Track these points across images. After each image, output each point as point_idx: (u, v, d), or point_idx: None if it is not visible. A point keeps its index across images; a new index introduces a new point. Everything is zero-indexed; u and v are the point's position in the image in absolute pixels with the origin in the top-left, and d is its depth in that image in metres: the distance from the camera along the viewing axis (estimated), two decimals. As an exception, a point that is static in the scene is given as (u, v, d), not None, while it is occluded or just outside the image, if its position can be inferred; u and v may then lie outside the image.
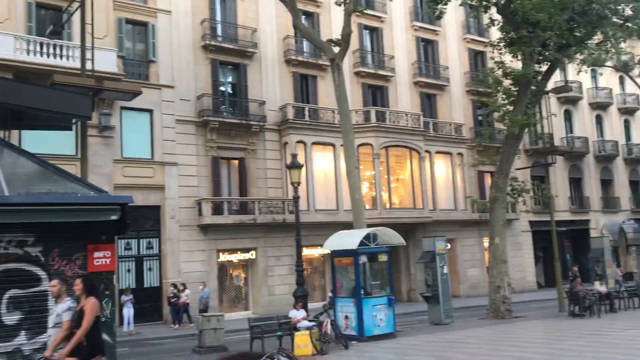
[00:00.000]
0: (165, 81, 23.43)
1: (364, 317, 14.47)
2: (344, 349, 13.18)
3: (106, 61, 20.03)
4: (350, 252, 15.02)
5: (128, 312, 19.28)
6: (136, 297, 20.58)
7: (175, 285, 21.06)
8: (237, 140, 24.68)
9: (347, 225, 19.50)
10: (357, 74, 28.78)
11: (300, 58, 26.93)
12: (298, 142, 25.22)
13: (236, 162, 25.06)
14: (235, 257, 24.46)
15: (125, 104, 20.86)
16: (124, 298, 19.45)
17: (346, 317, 14.90)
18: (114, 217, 8.16)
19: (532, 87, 20.72)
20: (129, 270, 21.94)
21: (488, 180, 30.46)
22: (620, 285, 23.57)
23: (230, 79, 25.76)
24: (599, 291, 19.62)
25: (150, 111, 22.94)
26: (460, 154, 30.81)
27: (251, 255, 24.51)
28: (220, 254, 23.90)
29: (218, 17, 25.54)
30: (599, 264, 23.99)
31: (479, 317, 19.53)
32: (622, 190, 39.19)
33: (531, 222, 33.51)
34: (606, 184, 38.60)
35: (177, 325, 20.39)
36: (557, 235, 23.60)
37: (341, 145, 21.05)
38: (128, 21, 23.14)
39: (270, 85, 26.04)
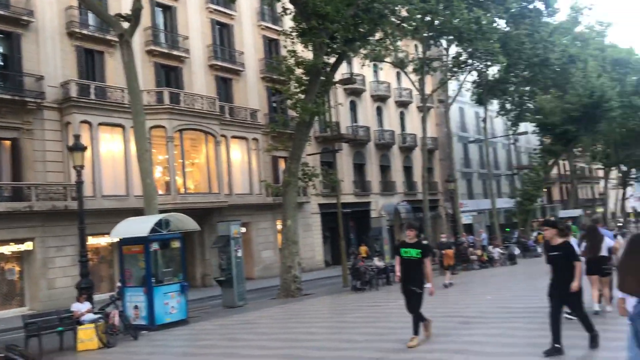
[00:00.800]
0: None
1: (154, 306, 13.98)
2: (133, 339, 12.61)
3: None
4: (140, 240, 14.36)
5: None
6: None
7: None
8: (9, 119, 21.97)
9: (138, 212, 18.62)
10: (149, 52, 27.53)
11: (85, 31, 24.85)
12: (82, 122, 23.36)
13: (8, 143, 22.32)
14: (8, 249, 21.88)
15: None
16: None
17: (136, 307, 14.26)
18: None
19: (322, 78, 21.76)
20: None
21: (282, 165, 31.51)
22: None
23: (0, 50, 22.77)
24: (377, 266, 21.57)
25: None
26: (255, 139, 31.36)
27: (27, 246, 22.12)
28: (-11, 246, 21.20)
29: (-16, -23, 22.36)
30: (377, 242, 26.39)
31: (271, 297, 20.16)
32: (397, 175, 43.52)
33: (320, 205, 35.55)
34: (384, 169, 42.51)
35: None
36: (342, 217, 25.32)
37: (131, 127, 19.97)
38: None
39: (49, 59, 23.62)
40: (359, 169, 40.29)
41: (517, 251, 31.54)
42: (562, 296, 7.89)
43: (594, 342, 7.95)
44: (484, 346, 8.93)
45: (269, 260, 31.95)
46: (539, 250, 34.65)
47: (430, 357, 8.41)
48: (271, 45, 34.67)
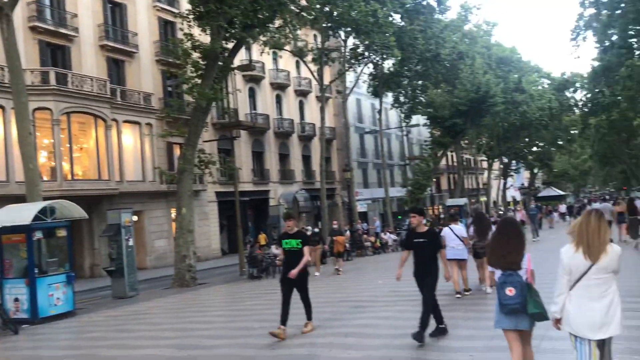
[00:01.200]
0: None
1: (38, 298, 13.17)
2: (13, 334, 11.82)
3: None
4: (22, 228, 13.43)
5: None
6: None
7: None
8: None
9: (20, 199, 17.43)
10: (33, 29, 25.68)
11: (-42, 2, 22.71)
12: (-45, 101, 21.44)
13: None
14: None
15: None
16: None
17: (16, 299, 13.36)
18: None
19: (220, 63, 21.40)
20: None
21: (177, 151, 30.67)
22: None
23: None
24: (274, 254, 21.65)
25: None
26: (149, 124, 30.30)
27: None
28: None
29: None
30: (275, 230, 26.50)
31: (164, 287, 19.69)
32: (296, 163, 43.84)
33: (217, 193, 35.06)
34: (283, 157, 42.67)
35: None
36: (240, 205, 25.15)
37: (12, 108, 18.57)
38: None
39: None
40: (258, 157, 40.15)
41: (408, 238, 32.93)
42: (425, 282, 8.04)
43: (419, 336, 7.74)
44: (375, 329, 9.27)
45: (163, 249, 31.11)
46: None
47: (322, 341, 8.60)
48: (167, 28, 33.52)
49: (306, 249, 9.03)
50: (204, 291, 17.96)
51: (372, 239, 30.70)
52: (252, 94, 40.00)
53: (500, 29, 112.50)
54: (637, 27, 32.61)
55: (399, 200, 52.43)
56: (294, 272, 8.79)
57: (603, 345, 4.33)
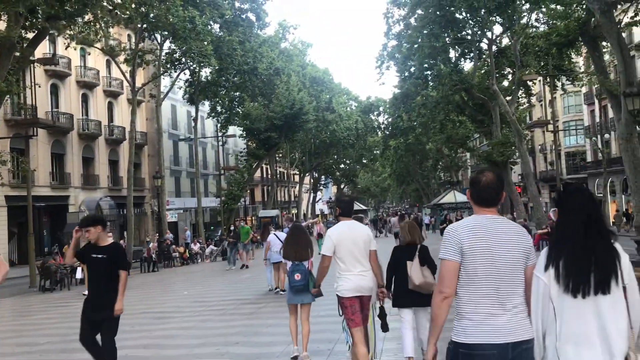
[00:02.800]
0: None
1: None
2: None
3: None
4: None
5: None
6: None
7: None
8: None
9: None
10: None
11: None
12: None
13: None
14: None
15: None
16: None
17: None
18: None
19: (17, 53, 19.44)
20: None
21: (-41, 148, 27.01)
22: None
23: None
24: (70, 265, 20.08)
25: None
26: None
27: None
28: None
29: None
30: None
31: None
32: (102, 168, 41.17)
33: (7, 197, 31.51)
34: (88, 161, 39.79)
35: None
36: (35, 211, 22.96)
37: None
38: None
39: None
40: (59, 159, 36.92)
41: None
42: (100, 317, 5.98)
43: None
44: (175, 339, 9.06)
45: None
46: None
47: (119, 353, 8.15)
48: (-46, 8, 29.49)
49: None
50: (-17, 306, 15.99)
51: (182, 249, 30.05)
52: (54, 91, 36.78)
53: (314, 50, 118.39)
54: (432, 61, 36.61)
55: (212, 210, 52.03)
56: None
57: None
